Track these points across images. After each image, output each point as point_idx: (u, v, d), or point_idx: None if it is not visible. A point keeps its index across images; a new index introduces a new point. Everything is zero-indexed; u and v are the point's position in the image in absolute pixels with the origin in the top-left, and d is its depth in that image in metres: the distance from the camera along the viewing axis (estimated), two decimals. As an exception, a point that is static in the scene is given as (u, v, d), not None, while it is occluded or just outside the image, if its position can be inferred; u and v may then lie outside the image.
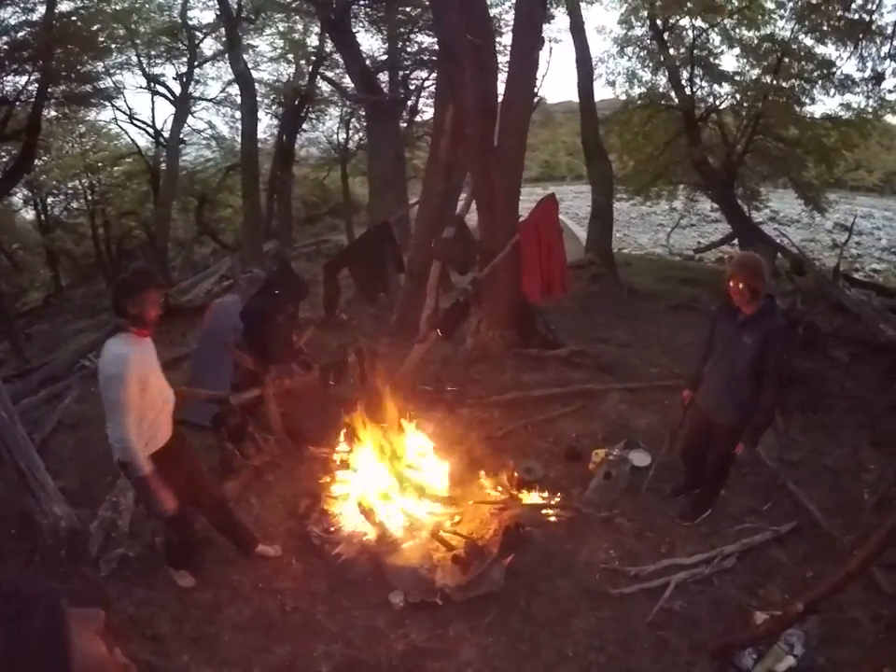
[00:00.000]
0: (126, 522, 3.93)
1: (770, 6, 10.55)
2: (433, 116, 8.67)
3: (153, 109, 16.87)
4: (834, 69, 10.49)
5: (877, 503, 3.93)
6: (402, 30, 13.06)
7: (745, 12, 10.61)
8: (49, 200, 16.54)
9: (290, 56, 15.01)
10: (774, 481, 4.41)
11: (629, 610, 3.34)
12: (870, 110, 10.75)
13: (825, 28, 10.13)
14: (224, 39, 13.37)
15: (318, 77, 15.16)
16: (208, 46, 15.26)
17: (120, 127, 16.50)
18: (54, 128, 13.78)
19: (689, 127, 11.58)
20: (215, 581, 3.57)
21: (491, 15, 7.75)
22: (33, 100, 9.40)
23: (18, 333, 9.55)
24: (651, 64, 11.95)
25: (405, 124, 14.60)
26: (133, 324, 2.87)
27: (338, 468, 4.21)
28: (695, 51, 11.14)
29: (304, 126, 16.73)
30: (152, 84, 15.41)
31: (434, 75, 12.61)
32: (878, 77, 10.22)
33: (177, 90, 15.45)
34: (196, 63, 15.13)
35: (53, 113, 12.23)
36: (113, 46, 12.30)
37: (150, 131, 16.33)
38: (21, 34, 9.08)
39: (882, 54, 10.01)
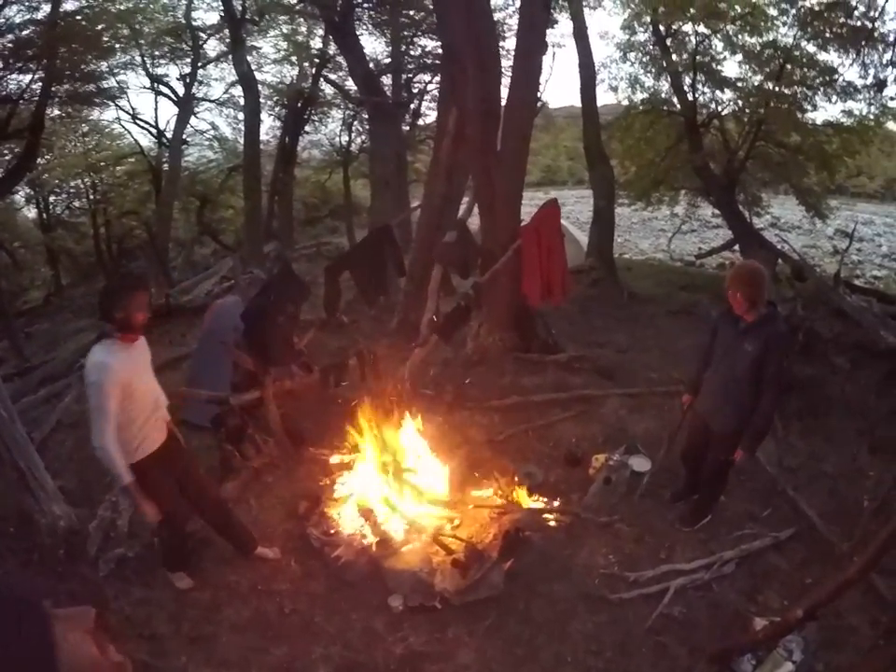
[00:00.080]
0: (125, 522, 3.93)
1: (773, 12, 10.57)
2: (436, 119, 8.68)
3: (156, 109, 16.98)
4: (836, 76, 10.50)
5: (876, 509, 3.93)
6: (406, 33, 13.11)
7: (747, 19, 10.62)
8: (51, 198, 16.58)
9: (294, 58, 15.07)
10: (773, 486, 4.40)
11: (628, 615, 3.34)
12: (871, 117, 10.77)
13: (827, 35, 10.13)
14: (228, 40, 13.41)
15: (321, 79, 15.21)
16: (212, 47, 15.33)
17: (123, 127, 16.61)
18: (57, 127, 13.80)
19: (691, 133, 11.58)
20: (213, 581, 3.57)
21: (495, 19, 7.77)
22: (36, 98, 9.40)
23: (17, 332, 9.54)
24: (653, 70, 11.95)
25: (407, 127, 14.62)
26: (119, 329, 2.84)
27: (338, 470, 4.21)
28: (698, 57, 11.14)
29: (307, 128, 16.76)
30: (156, 84, 15.48)
31: (437, 78, 12.63)
32: (880, 84, 10.23)
33: (181, 90, 15.53)
34: (200, 64, 15.17)
35: (57, 112, 12.27)
36: (117, 45, 12.31)
37: (153, 131, 16.44)
38: (25, 32, 9.08)
39: (884, 61, 10.02)
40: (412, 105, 14.51)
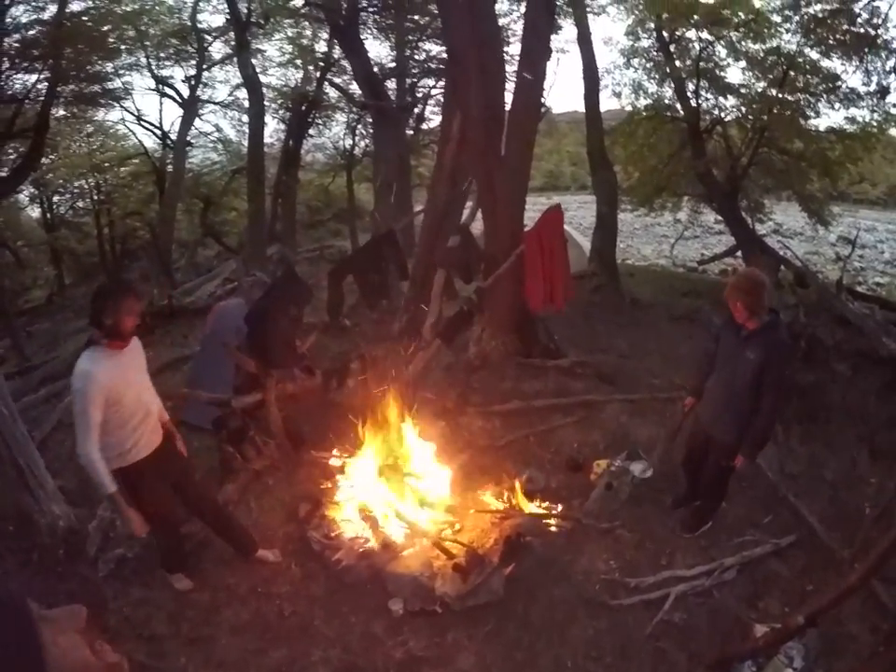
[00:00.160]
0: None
1: (776, 19, 10.59)
2: (440, 123, 8.70)
3: (161, 111, 17.12)
4: (839, 83, 10.51)
5: (877, 516, 3.92)
6: (410, 38, 13.15)
7: (751, 25, 10.64)
8: (55, 198, 16.61)
9: (298, 61, 15.09)
10: (774, 493, 4.39)
11: (628, 621, 3.33)
12: (874, 124, 10.77)
13: (831, 42, 10.16)
14: (233, 43, 13.44)
15: (326, 82, 15.24)
16: (217, 49, 15.37)
17: (128, 128, 16.63)
18: (62, 127, 13.84)
19: (694, 139, 11.59)
20: (212, 582, 3.57)
21: (499, 24, 7.79)
22: (42, 98, 9.45)
23: (19, 330, 9.56)
24: (656, 76, 11.97)
25: (411, 132, 14.65)
26: (107, 335, 2.81)
27: (339, 473, 4.21)
28: (701, 64, 11.16)
29: (311, 131, 16.79)
30: (160, 86, 15.50)
31: (441, 83, 12.68)
32: (883, 91, 10.25)
33: (185, 92, 15.58)
34: (205, 67, 15.23)
35: (62, 112, 12.32)
36: (122, 47, 12.36)
37: (157, 132, 16.45)
38: (31, 32, 9.12)
39: (887, 68, 10.04)
40: (415, 110, 14.55)
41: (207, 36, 14.67)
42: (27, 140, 9.57)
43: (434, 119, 15.07)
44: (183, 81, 15.52)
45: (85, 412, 2.75)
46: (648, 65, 12.00)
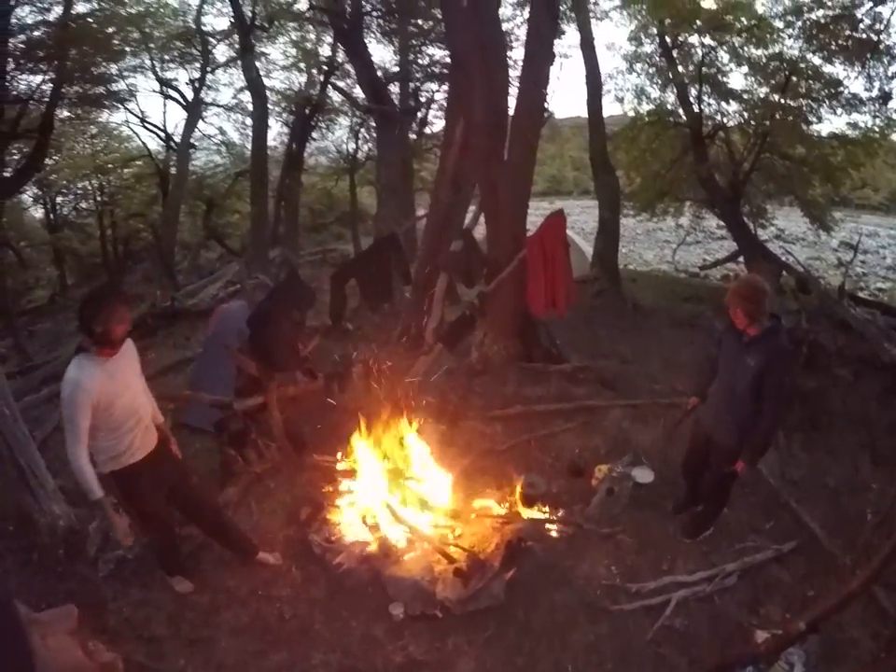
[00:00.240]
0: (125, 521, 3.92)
1: (779, 25, 10.61)
2: (443, 128, 8.71)
3: (165, 113, 17.17)
4: (842, 88, 10.53)
5: (879, 522, 3.91)
6: (414, 42, 13.16)
7: (753, 31, 10.66)
8: (59, 199, 16.60)
9: (302, 65, 15.11)
10: (775, 498, 4.39)
11: (629, 626, 3.33)
12: (876, 129, 10.78)
13: (833, 47, 10.18)
14: (237, 46, 13.48)
15: (329, 86, 15.27)
16: (221, 52, 15.38)
17: (132, 130, 16.66)
18: (66, 128, 13.85)
19: (696, 144, 11.61)
20: (212, 584, 3.57)
21: (502, 29, 7.81)
22: (46, 99, 9.45)
23: (21, 330, 9.58)
24: (659, 81, 12.00)
25: (414, 136, 14.66)
26: (97, 342, 2.79)
27: (340, 476, 4.21)
28: (704, 69, 11.18)
29: (314, 135, 16.78)
30: (165, 88, 15.55)
31: (444, 87, 12.70)
32: (885, 97, 10.27)
33: (189, 95, 15.61)
34: (209, 69, 15.26)
35: (66, 113, 12.29)
36: (127, 49, 12.36)
37: (161, 134, 16.46)
38: (36, 33, 9.13)
39: (889, 74, 10.08)
40: (419, 114, 14.55)
41: (211, 39, 14.70)
42: (31, 141, 9.57)
43: (437, 123, 15.06)
44: (187, 84, 15.58)
45: (73, 419, 2.75)
46: (650, 71, 12.04)
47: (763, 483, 4.50)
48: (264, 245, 12.89)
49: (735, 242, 12.91)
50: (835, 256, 21.01)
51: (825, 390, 6.00)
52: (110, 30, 10.81)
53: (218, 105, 16.53)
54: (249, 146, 14.26)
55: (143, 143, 16.66)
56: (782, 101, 10.67)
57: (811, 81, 10.69)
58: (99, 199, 16.41)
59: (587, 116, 11.14)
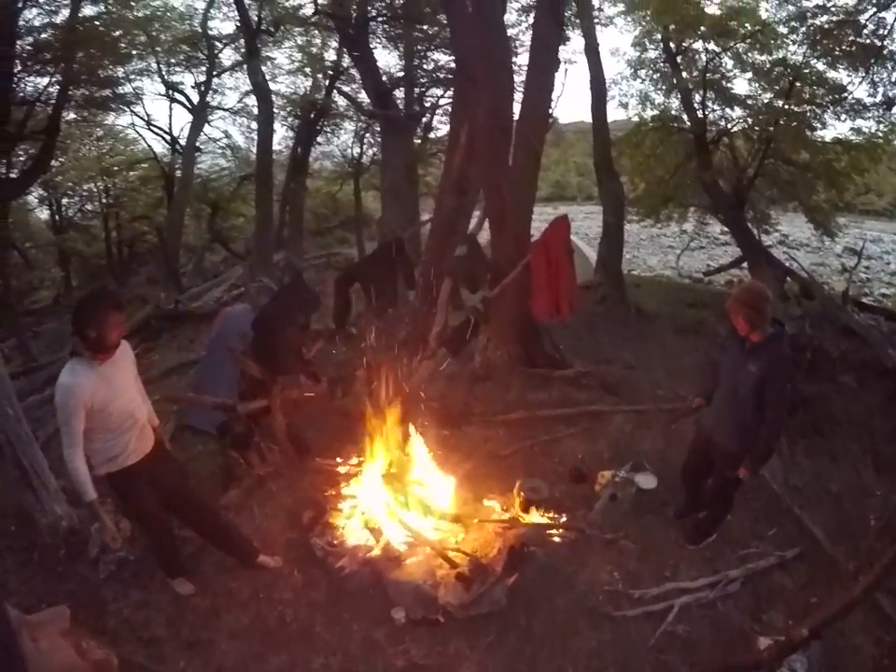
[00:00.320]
0: (126, 524, 3.92)
1: (783, 30, 10.61)
2: (447, 132, 8.73)
3: (170, 116, 17.25)
4: (846, 94, 10.52)
5: (882, 528, 3.89)
6: (419, 47, 13.22)
7: (758, 36, 10.65)
8: (64, 201, 16.72)
9: (308, 69, 15.20)
10: (778, 505, 4.37)
11: (630, 632, 3.31)
12: (880, 135, 10.76)
13: (837, 53, 10.17)
14: (243, 50, 13.55)
15: (335, 91, 15.34)
16: (227, 56, 15.50)
17: (138, 132, 16.80)
18: (73, 130, 13.95)
19: (700, 150, 11.61)
20: (213, 587, 3.57)
21: (508, 34, 7.83)
22: (53, 101, 9.51)
23: (25, 330, 9.62)
24: (663, 87, 12.00)
25: (419, 140, 14.71)
26: (90, 347, 2.79)
27: (343, 480, 4.21)
28: (708, 75, 11.17)
29: (319, 139, 16.88)
30: (171, 91, 15.64)
31: (449, 92, 12.73)
32: (889, 102, 10.24)
33: (195, 98, 15.70)
34: (215, 73, 15.34)
35: (72, 115, 12.40)
36: (134, 52, 12.47)
37: (167, 137, 16.58)
38: (44, 35, 9.20)
39: (893, 79, 10.05)
40: (423, 119, 14.60)
41: (218, 43, 14.78)
42: (38, 142, 9.63)
43: (442, 128, 15.14)
44: (193, 87, 15.67)
45: (67, 423, 2.77)
46: (655, 76, 12.05)
47: (766, 489, 4.48)
48: (268, 249, 12.92)
49: (738, 247, 12.89)
50: (839, 261, 20.98)
51: (828, 396, 5.98)
52: (117, 33, 10.88)
53: (224, 109, 16.66)
54: (254, 149, 14.34)
55: (148, 146, 16.81)
56: (786, 106, 10.66)
57: (815, 87, 10.68)
58: (104, 201, 16.53)
59: (591, 121, 11.14)
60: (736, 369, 3.37)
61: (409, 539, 3.66)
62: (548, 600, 3.47)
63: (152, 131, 16.38)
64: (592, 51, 10.82)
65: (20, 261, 14.86)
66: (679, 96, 11.70)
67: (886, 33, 9.63)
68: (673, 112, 12.16)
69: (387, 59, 30.73)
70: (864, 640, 3.26)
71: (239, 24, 12.61)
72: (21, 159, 10.98)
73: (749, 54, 11.10)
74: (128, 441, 3.03)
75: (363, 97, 14.12)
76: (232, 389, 4.84)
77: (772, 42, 10.68)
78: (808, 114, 10.83)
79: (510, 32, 10.87)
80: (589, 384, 6.20)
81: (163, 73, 15.03)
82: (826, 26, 10.01)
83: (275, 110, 14.15)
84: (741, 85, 22.31)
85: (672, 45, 11.43)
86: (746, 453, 3.42)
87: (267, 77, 13.59)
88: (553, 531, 3.98)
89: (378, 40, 12.83)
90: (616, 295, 10.04)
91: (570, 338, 7.49)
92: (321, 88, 15.60)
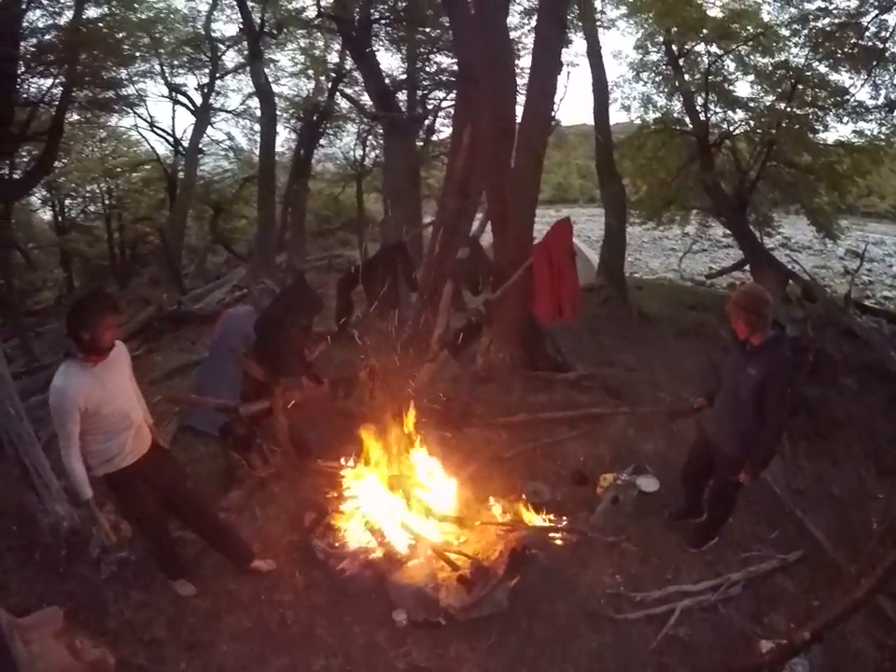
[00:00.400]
0: (127, 526, 3.93)
1: (785, 33, 10.60)
2: (450, 135, 8.75)
3: (173, 118, 17.27)
4: (848, 96, 10.51)
5: (884, 532, 3.89)
6: (422, 50, 13.24)
7: (760, 39, 10.65)
8: (67, 202, 16.75)
9: (310, 72, 15.23)
10: (780, 508, 4.37)
11: (632, 636, 3.31)
12: (882, 137, 10.74)
13: (839, 55, 10.16)
14: (246, 52, 13.59)
15: (337, 93, 15.37)
16: (230, 58, 15.57)
17: (141, 134, 16.83)
18: (76, 131, 13.99)
19: (702, 152, 11.60)
20: (213, 588, 3.57)
21: (510, 37, 7.84)
22: (56, 103, 9.54)
23: (27, 330, 9.63)
24: (665, 90, 12.00)
25: (421, 143, 14.74)
26: (83, 350, 2.79)
27: (344, 482, 4.20)
28: (710, 77, 11.16)
29: (322, 141, 16.93)
30: (174, 93, 15.69)
31: (452, 95, 12.76)
32: (891, 105, 10.23)
33: (198, 100, 15.75)
34: (218, 75, 15.39)
35: (76, 117, 12.43)
36: (137, 54, 12.49)
37: (170, 139, 16.61)
38: (47, 36, 9.22)
39: (895, 82, 10.06)
40: (426, 121, 14.62)
41: (221, 45, 14.85)
42: (41, 143, 9.66)
43: (444, 130, 15.18)
44: (196, 89, 15.74)
45: (62, 425, 2.78)
46: (657, 79, 12.04)
47: (768, 492, 4.48)
48: (271, 251, 12.95)
49: (740, 250, 12.86)
50: (841, 264, 20.91)
51: (830, 399, 5.97)
52: (120, 35, 10.89)
53: (227, 111, 16.72)
54: (257, 151, 14.39)
55: (151, 147, 16.87)
56: (788, 109, 10.64)
57: (817, 89, 10.66)
58: (107, 202, 16.57)
59: (593, 124, 11.17)
60: (737, 372, 3.37)
61: (410, 542, 3.65)
62: (549, 603, 3.47)
63: (155, 132, 16.44)
64: (594, 54, 10.86)
65: (22, 262, 14.89)
66: (682, 99, 11.69)
67: (888, 35, 9.62)
68: (675, 115, 12.15)
69: (390, 61, 30.89)
70: (866, 643, 3.25)
71: (242, 27, 12.63)
72: (25, 160, 11.00)
73: (751, 57, 11.10)
74: (124, 441, 3.03)
75: (366, 99, 14.17)
76: (234, 391, 4.85)
77: (774, 45, 10.67)
78: (810, 116, 10.81)
79: (512, 35, 10.88)
80: (591, 386, 6.19)
81: (166, 75, 15.12)
82: (828, 29, 10.00)
83: (278, 112, 14.20)
84: (743, 87, 22.36)
85: (674, 47, 11.43)
86: (746, 456, 3.41)
87: (270, 80, 13.67)
88: (555, 534, 3.98)
89: (381, 43, 12.86)
90: (618, 298, 10.05)
91: (572, 340, 7.48)
92: (324, 90, 15.65)
